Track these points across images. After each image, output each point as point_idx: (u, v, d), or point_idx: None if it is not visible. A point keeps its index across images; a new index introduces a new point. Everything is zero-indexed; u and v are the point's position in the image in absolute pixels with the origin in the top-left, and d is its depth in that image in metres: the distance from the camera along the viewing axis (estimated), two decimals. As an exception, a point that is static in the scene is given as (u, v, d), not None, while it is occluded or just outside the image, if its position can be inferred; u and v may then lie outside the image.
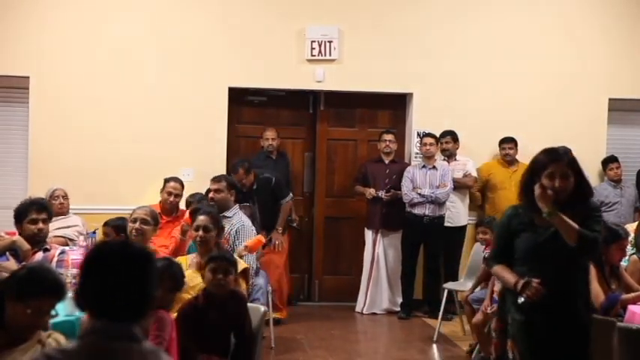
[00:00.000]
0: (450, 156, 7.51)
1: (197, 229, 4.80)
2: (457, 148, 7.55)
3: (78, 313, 3.74)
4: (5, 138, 7.49)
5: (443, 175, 7.22)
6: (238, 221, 5.69)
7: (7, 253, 4.49)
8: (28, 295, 2.86)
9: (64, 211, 6.45)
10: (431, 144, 7.29)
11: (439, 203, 7.18)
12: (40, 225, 4.65)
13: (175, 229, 5.80)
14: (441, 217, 7.25)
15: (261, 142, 7.54)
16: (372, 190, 7.31)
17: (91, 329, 2.05)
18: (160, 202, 6.41)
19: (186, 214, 5.53)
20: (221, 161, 7.35)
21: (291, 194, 7.13)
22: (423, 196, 7.13)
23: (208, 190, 6.12)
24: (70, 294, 3.77)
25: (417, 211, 7.19)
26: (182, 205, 6.45)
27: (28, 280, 2.93)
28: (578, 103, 7.87)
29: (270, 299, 6.05)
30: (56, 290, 2.95)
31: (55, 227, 5.97)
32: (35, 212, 4.66)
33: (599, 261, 4.63)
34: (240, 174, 6.77)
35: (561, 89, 7.86)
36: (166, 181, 6.50)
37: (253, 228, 5.82)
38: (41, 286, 2.91)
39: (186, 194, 6.43)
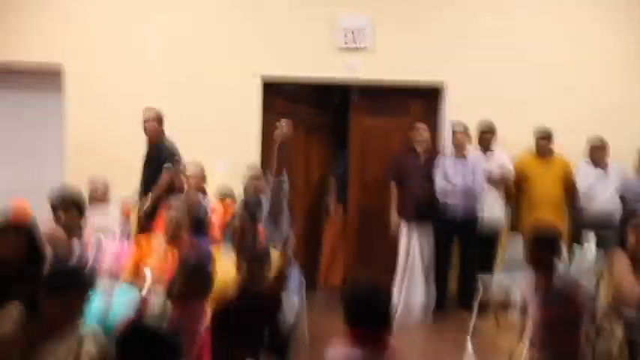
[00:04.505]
0: (488, 149, 7.40)
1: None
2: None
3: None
4: (39, 126, 7.53)
5: (474, 165, 7.09)
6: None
7: None
8: (57, 292, 2.98)
9: (98, 199, 6.46)
10: (461, 134, 7.18)
11: (473, 195, 7.07)
12: (64, 221, 4.71)
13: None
14: (474, 211, 7.09)
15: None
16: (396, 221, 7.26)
17: None
18: None
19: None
20: (256, 152, 7.36)
21: None
22: (454, 185, 7.04)
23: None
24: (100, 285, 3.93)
25: (450, 202, 7.10)
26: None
27: (55, 278, 3.07)
28: (616, 90, 7.71)
29: (304, 291, 5.97)
30: (83, 284, 3.08)
31: (94, 216, 6.03)
32: (62, 210, 4.74)
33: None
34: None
35: (601, 77, 7.71)
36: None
37: None
38: (68, 281, 3.03)
39: (220, 186, 6.41)
